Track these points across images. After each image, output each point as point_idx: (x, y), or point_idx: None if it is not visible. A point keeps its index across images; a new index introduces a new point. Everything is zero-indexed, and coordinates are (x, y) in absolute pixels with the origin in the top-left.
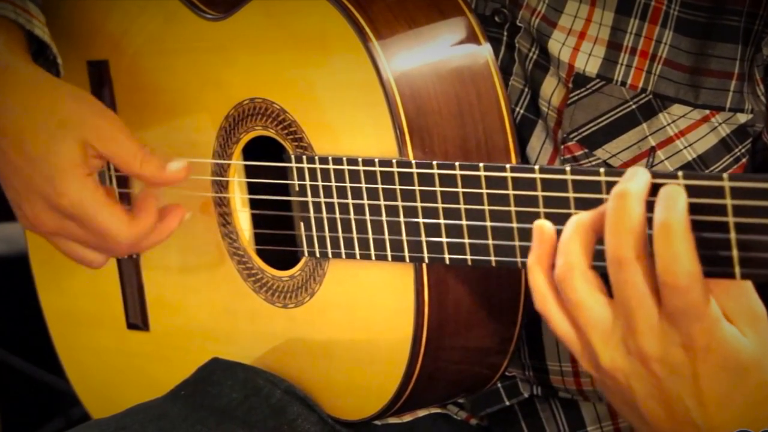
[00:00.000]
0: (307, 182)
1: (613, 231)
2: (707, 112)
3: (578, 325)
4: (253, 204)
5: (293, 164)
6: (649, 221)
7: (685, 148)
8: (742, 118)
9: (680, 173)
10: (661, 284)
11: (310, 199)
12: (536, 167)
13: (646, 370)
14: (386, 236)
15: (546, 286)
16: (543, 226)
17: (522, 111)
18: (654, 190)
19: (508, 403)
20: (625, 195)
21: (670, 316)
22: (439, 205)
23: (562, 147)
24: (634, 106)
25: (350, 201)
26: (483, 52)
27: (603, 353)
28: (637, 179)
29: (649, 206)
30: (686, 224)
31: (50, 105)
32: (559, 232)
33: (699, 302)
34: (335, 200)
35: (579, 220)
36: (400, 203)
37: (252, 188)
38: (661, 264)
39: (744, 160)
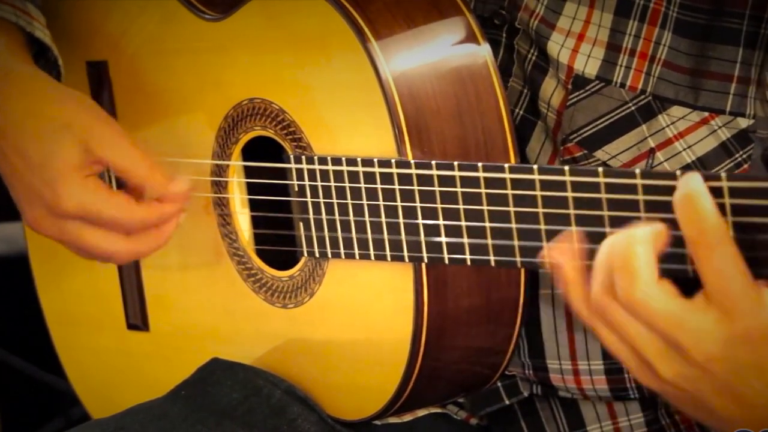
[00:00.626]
0: (306, 182)
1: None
2: (706, 114)
3: (630, 343)
4: (253, 204)
5: (292, 165)
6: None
7: (684, 150)
8: (743, 122)
9: (678, 173)
10: (694, 249)
11: (309, 199)
12: (535, 167)
13: (709, 373)
14: (385, 236)
15: (590, 310)
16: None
17: (521, 112)
18: (654, 190)
19: (507, 402)
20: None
21: (716, 296)
22: (438, 206)
23: (562, 148)
24: (633, 108)
25: (349, 201)
26: (482, 52)
27: (662, 366)
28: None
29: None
30: (728, 235)
31: (52, 110)
32: (555, 232)
33: (736, 263)
34: (334, 200)
35: (621, 240)
36: (399, 203)
37: (251, 188)
38: (689, 230)
39: (745, 165)
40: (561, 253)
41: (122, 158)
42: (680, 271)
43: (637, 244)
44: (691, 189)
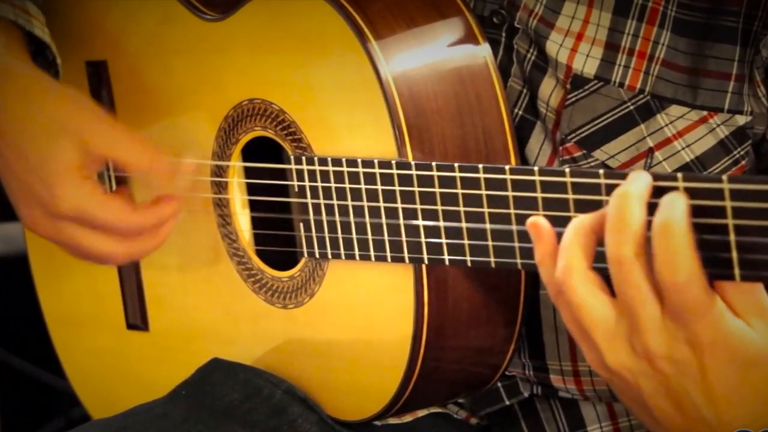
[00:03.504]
0: (307, 183)
1: (614, 230)
2: (705, 113)
3: (582, 325)
4: (253, 205)
5: (292, 165)
6: (651, 225)
7: (683, 149)
8: (741, 120)
9: (680, 175)
10: (660, 283)
11: (309, 200)
12: (535, 169)
13: (652, 368)
14: (386, 237)
15: (553, 288)
16: (537, 223)
17: (520, 112)
18: (654, 192)
19: (508, 402)
20: (626, 195)
21: (673, 314)
22: (439, 207)
23: (561, 148)
24: (632, 107)
25: (350, 202)
26: (482, 52)
27: (608, 352)
28: (639, 181)
29: (651, 209)
30: (685, 224)
31: (50, 109)
32: (560, 234)
33: (700, 300)
34: (335, 201)
35: (578, 222)
36: (399, 205)
37: (251, 189)
38: (659, 262)
39: (743, 162)
40: (542, 225)
41: (123, 153)
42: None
43: (569, 229)
44: (666, 220)
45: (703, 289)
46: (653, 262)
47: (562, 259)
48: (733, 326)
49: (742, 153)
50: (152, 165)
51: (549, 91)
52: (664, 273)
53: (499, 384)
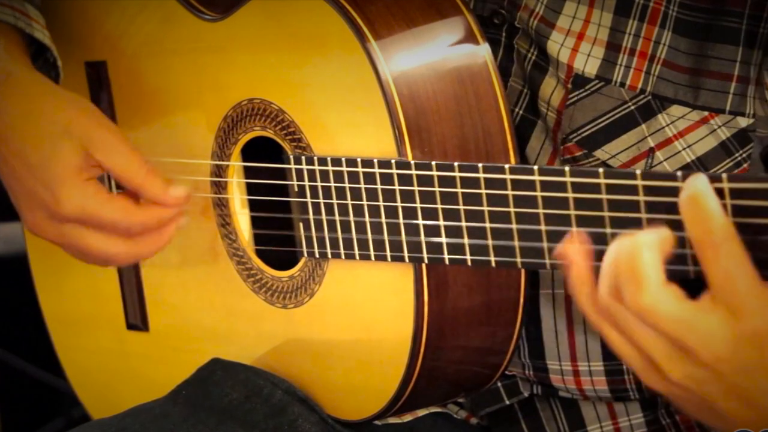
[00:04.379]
0: (306, 183)
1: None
2: (706, 113)
3: (638, 346)
4: (252, 205)
5: (292, 165)
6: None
7: (684, 149)
8: (743, 122)
9: (680, 173)
10: (699, 249)
11: (309, 200)
12: (535, 168)
13: (716, 374)
14: (385, 237)
15: (597, 311)
16: (566, 252)
17: (521, 112)
18: (655, 191)
19: (508, 402)
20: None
21: (721, 295)
22: (438, 206)
23: (562, 148)
24: (633, 107)
25: (349, 202)
26: (481, 52)
27: (670, 368)
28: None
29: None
30: (713, 197)
31: (52, 114)
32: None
33: (743, 263)
34: (334, 201)
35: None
36: (399, 204)
37: (251, 189)
38: (695, 229)
39: (745, 165)
40: (570, 253)
41: (120, 163)
42: (682, 272)
43: (644, 249)
44: (697, 189)
45: (742, 253)
46: (689, 233)
47: (606, 284)
48: None
49: (744, 155)
50: (144, 180)
51: (550, 90)
52: (701, 236)
53: (499, 384)
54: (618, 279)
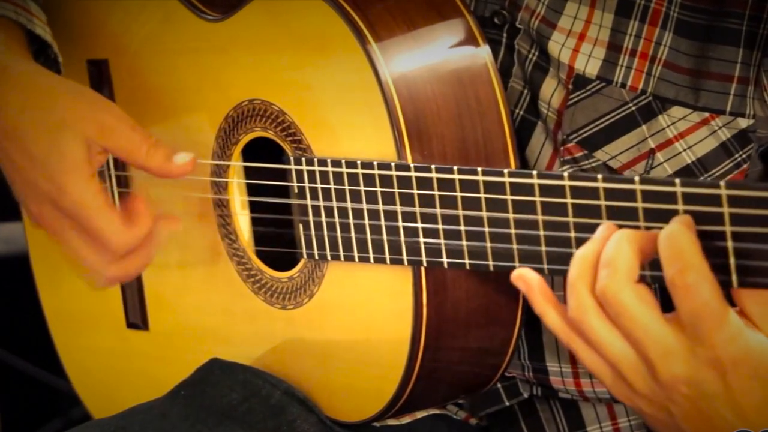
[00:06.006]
0: (306, 184)
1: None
2: (706, 114)
3: (607, 360)
4: (253, 205)
5: (292, 166)
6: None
7: (684, 150)
8: (743, 123)
9: (677, 180)
10: (671, 287)
11: (309, 201)
12: (534, 173)
13: (679, 394)
14: (384, 239)
15: (567, 327)
16: (523, 275)
17: (521, 112)
18: (653, 197)
19: (507, 403)
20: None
21: (690, 329)
22: (438, 210)
23: (562, 148)
24: (633, 108)
25: (349, 204)
26: (482, 54)
27: (636, 383)
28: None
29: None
30: (690, 227)
31: (49, 104)
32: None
33: (713, 305)
34: (334, 203)
35: (580, 255)
36: (398, 207)
37: (251, 189)
38: (667, 266)
39: (745, 165)
40: (527, 275)
41: (120, 146)
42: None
43: (624, 241)
44: (674, 230)
45: (715, 293)
46: (663, 271)
47: (573, 297)
48: (753, 341)
49: (744, 156)
50: (147, 156)
51: (550, 91)
52: (674, 277)
53: (498, 385)
54: (595, 269)
